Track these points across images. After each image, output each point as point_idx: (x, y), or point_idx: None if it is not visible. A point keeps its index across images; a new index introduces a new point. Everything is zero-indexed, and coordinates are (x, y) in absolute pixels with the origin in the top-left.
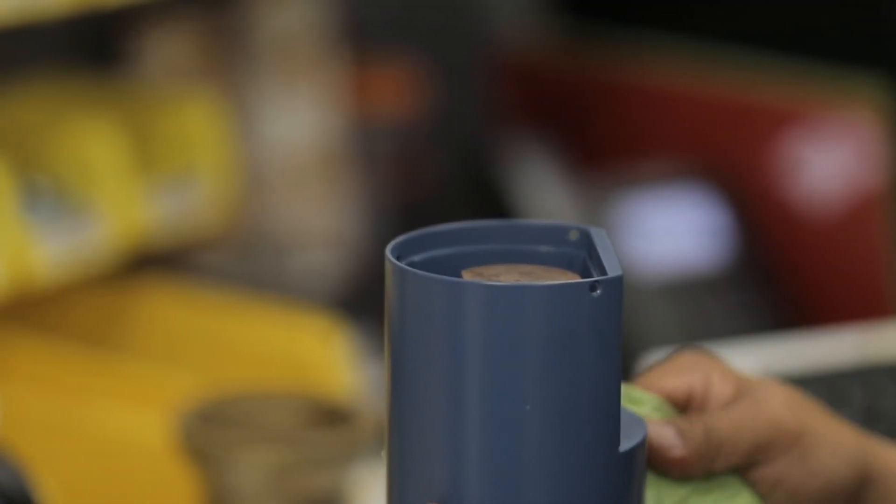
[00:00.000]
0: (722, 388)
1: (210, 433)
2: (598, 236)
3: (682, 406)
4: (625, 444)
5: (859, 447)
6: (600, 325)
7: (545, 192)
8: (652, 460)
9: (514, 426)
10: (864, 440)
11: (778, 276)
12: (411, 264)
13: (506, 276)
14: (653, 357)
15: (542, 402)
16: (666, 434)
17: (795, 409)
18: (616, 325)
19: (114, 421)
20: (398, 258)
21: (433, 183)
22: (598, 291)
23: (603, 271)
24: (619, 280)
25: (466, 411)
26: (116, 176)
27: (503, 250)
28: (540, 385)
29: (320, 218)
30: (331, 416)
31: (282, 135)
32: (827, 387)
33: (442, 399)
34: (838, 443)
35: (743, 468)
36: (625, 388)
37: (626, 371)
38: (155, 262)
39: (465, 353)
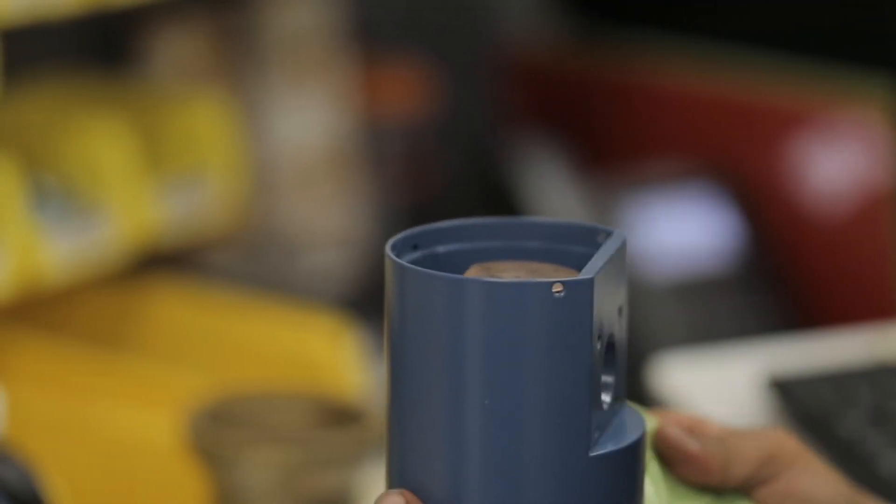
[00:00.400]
0: (715, 429)
1: (218, 433)
2: (612, 239)
3: None
4: (605, 448)
5: (848, 485)
6: (562, 326)
7: (553, 192)
8: (670, 461)
9: (471, 421)
10: (851, 485)
11: (786, 276)
12: (433, 255)
13: (509, 273)
14: (662, 357)
15: (499, 399)
16: (682, 432)
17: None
18: (583, 327)
19: (122, 421)
20: (417, 247)
21: (441, 183)
22: (561, 293)
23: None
24: (586, 283)
25: (458, 407)
26: (125, 176)
27: (531, 248)
28: (499, 381)
29: (329, 218)
30: (340, 416)
31: (290, 135)
32: (835, 387)
33: (436, 395)
34: (831, 473)
35: (754, 485)
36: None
37: (635, 371)
38: (163, 261)
39: (443, 346)
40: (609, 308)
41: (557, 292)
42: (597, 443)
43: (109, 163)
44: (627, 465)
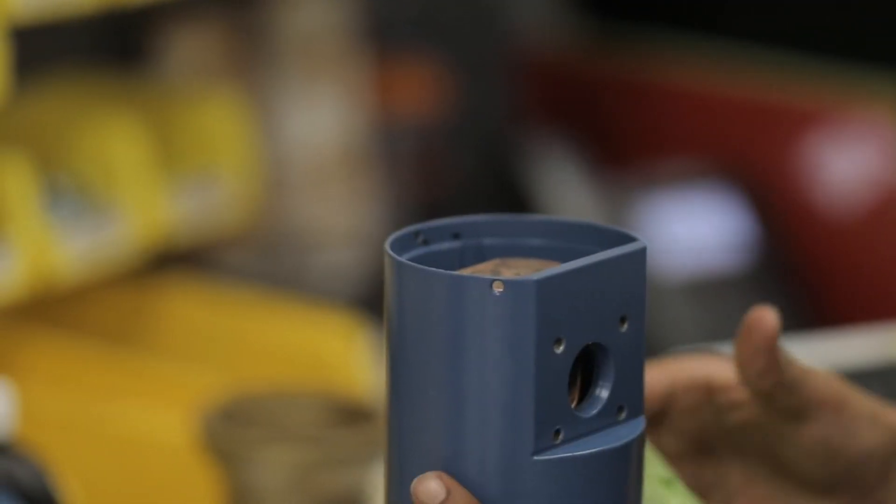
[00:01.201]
0: None
1: (232, 432)
2: (619, 246)
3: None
4: (556, 454)
5: (894, 421)
6: (501, 324)
7: (567, 192)
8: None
9: (434, 413)
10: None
11: (798, 274)
12: (473, 247)
13: (520, 269)
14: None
15: (443, 391)
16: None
17: (839, 382)
18: (525, 327)
19: (136, 420)
20: (459, 236)
21: (455, 182)
22: (501, 290)
23: None
24: (528, 284)
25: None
26: (139, 174)
27: (567, 248)
28: (442, 373)
29: (342, 217)
30: (352, 415)
31: (304, 133)
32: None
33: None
34: (876, 414)
35: (794, 418)
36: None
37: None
38: (177, 260)
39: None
40: (588, 314)
41: (498, 290)
42: (553, 448)
43: (123, 161)
44: (582, 475)
